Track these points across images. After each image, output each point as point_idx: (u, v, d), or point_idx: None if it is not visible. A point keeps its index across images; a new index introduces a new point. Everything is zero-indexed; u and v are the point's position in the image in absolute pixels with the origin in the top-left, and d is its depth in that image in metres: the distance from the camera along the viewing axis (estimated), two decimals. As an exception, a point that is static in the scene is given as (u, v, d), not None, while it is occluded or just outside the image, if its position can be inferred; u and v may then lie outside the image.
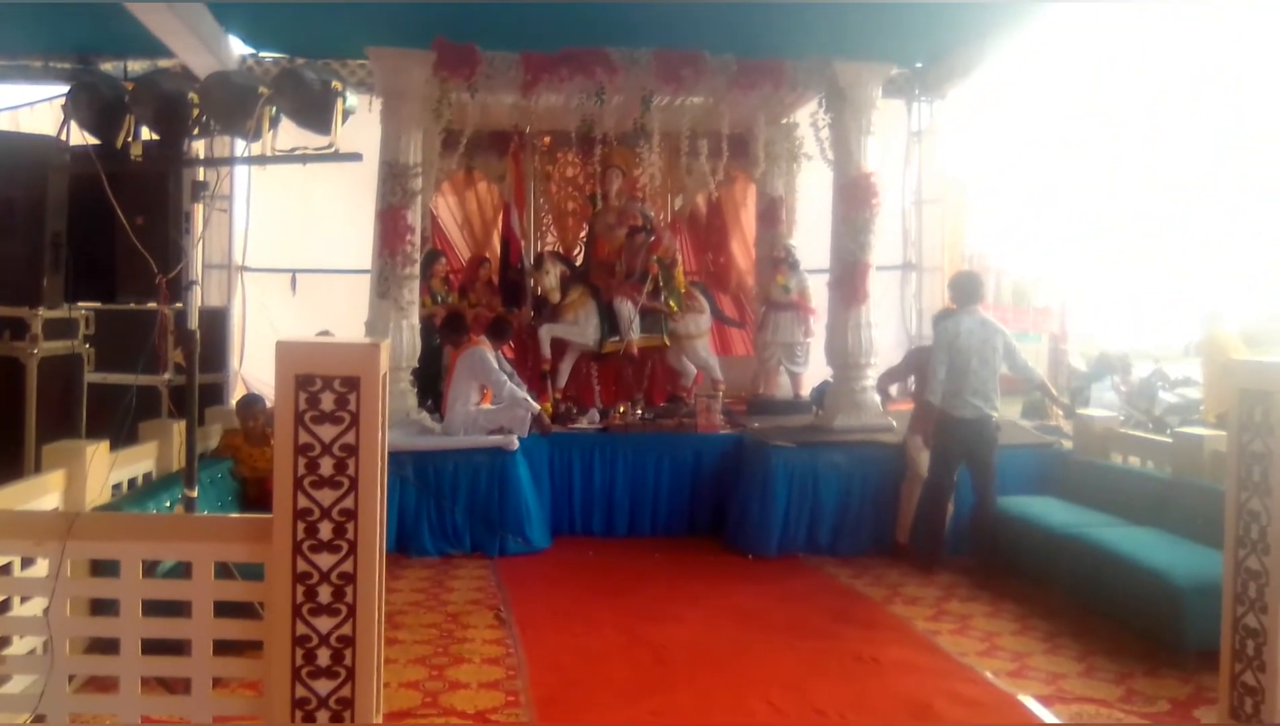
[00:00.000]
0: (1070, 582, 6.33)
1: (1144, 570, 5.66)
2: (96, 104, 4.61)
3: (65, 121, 4.67)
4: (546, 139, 10.51)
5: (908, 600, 6.68)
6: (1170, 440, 7.21)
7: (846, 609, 6.47)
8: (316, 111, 4.42)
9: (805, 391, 9.80)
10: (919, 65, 11.00)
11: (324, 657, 3.65)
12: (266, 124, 4.51)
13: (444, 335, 8.59)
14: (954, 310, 7.39)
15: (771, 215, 10.55)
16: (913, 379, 7.93)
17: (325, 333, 8.63)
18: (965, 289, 7.38)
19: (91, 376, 7.35)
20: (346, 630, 3.65)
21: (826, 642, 5.76)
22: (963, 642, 5.85)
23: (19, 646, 4.11)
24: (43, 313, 6.48)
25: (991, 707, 4.89)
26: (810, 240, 9.97)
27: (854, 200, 8.61)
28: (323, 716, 3.67)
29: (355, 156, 4.62)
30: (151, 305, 5.20)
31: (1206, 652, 4.63)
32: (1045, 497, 7.38)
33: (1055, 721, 4.74)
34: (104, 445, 5.28)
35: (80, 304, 6.92)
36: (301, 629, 3.65)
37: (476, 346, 8.00)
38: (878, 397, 8.54)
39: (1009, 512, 7.15)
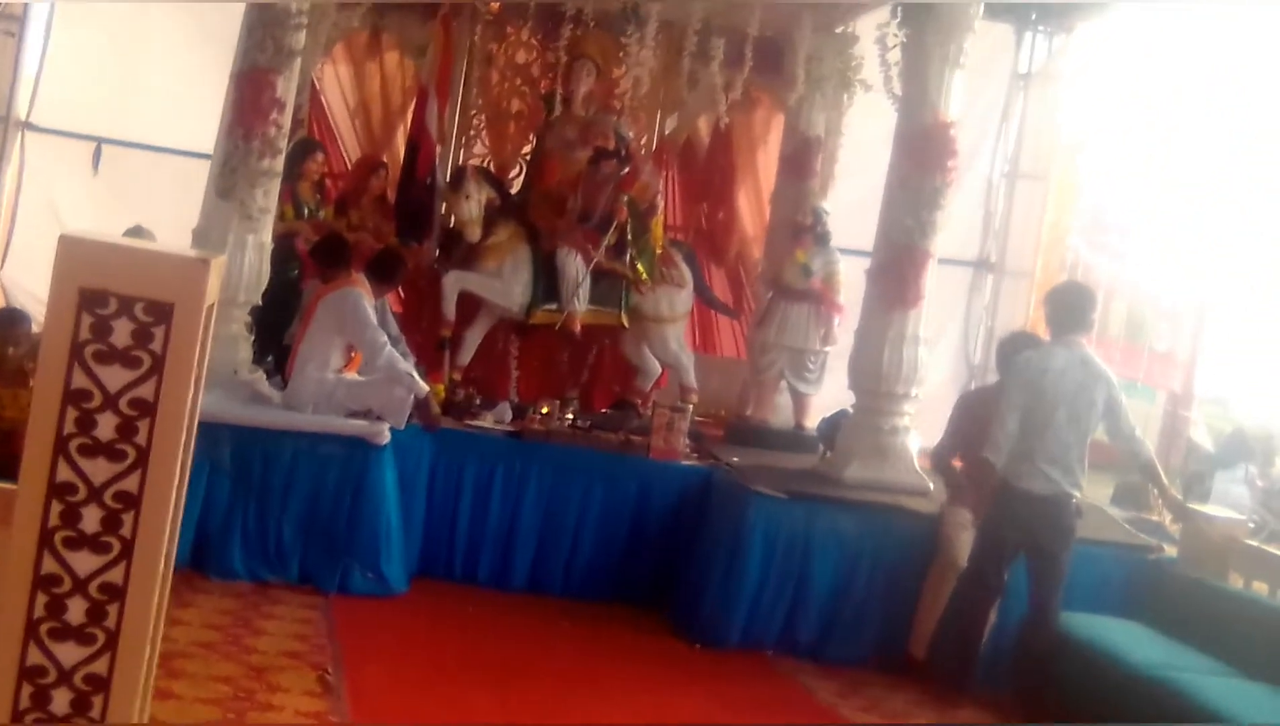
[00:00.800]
0: (1148, 747, 6.39)
1: (1253, 743, 5.74)
2: None
3: None
4: (495, 4, 10.47)
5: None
6: (1317, 566, 7.30)
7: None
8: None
9: (812, 421, 9.84)
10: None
11: (61, 702, 3.63)
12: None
13: (317, 263, 8.49)
14: (1038, 337, 7.47)
15: (801, 162, 10.57)
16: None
17: (138, 230, 8.58)
18: (1069, 309, 7.43)
19: None
20: (99, 668, 3.62)
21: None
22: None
23: None
24: None
25: None
26: (850, 206, 10.01)
27: (922, 158, 8.63)
28: (49, 788, 3.65)
29: (213, -14, 4.59)
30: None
31: None
32: (1129, 622, 7.44)
33: None
34: None
35: None
36: (35, 657, 3.62)
37: (349, 287, 7.95)
38: (910, 449, 8.61)
39: (1076, 634, 7.21)
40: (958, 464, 8.15)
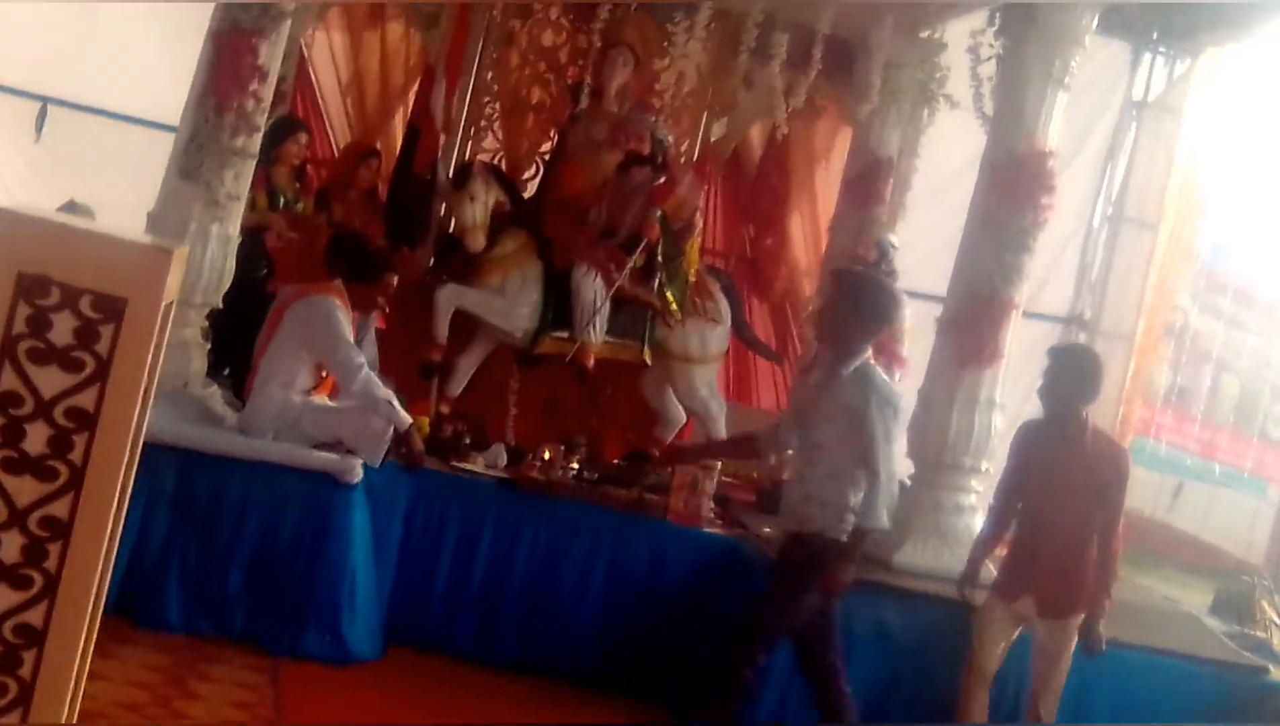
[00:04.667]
0: None
1: None
2: None
3: None
4: (521, -24, 10.53)
5: None
6: None
7: None
8: None
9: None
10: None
11: (-45, 767, 3.61)
12: None
13: (333, 265, 8.36)
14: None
15: (869, 186, 10.56)
16: None
17: (78, 206, 8.59)
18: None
19: None
20: (9, 722, 3.61)
21: None
22: None
23: None
24: None
25: None
26: (923, 244, 10.01)
27: (1012, 191, 8.64)
28: None
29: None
30: None
31: None
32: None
33: None
34: None
35: None
36: (-72, 710, 3.61)
37: (323, 295, 7.92)
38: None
39: (1159, 768, 7.19)
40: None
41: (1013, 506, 7.57)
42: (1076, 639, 7.23)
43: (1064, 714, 7.76)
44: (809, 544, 6.77)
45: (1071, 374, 7.45)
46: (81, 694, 3.79)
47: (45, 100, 11.21)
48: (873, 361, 6.97)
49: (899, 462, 6.94)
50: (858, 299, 7.09)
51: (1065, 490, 7.21)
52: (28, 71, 11.15)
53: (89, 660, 3.77)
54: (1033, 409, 10.61)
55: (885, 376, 7.05)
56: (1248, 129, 12.43)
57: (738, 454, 8.94)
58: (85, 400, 3.59)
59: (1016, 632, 7.38)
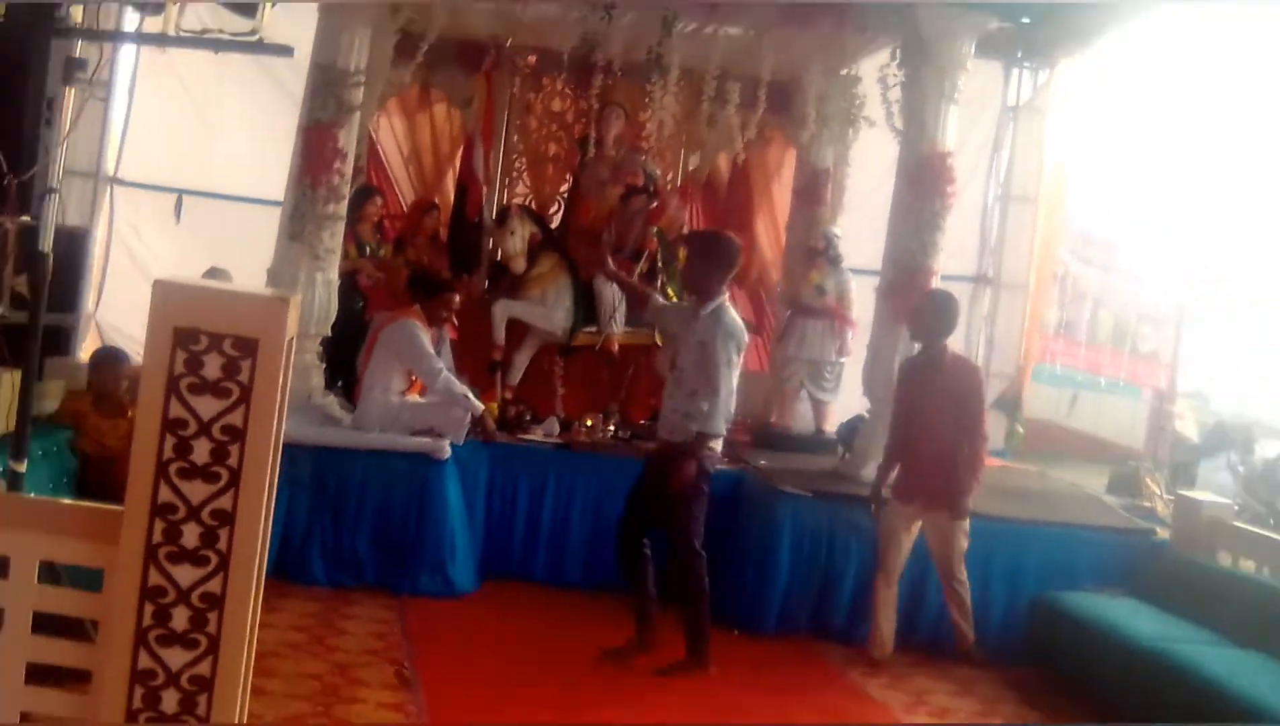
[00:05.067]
0: (1148, 709, 6.33)
1: (1247, 705, 5.68)
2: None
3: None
4: (531, 59, 10.47)
5: (935, 711, 6.71)
6: (1297, 544, 7.25)
7: (852, 713, 6.50)
8: (241, -14, 4.40)
9: (831, 426, 9.81)
10: (1026, 21, 11.02)
11: (170, 702, 3.62)
12: (171, -7, 4.49)
13: (412, 294, 8.39)
14: None
15: (813, 192, 10.52)
16: None
17: (217, 271, 8.60)
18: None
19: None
20: (204, 670, 3.62)
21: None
22: (1003, 776, 5.87)
23: None
24: None
25: None
26: (859, 231, 9.98)
27: (923, 186, 8.62)
28: (160, 779, 3.65)
29: (285, 51, 4.61)
30: (-6, 214, 5.16)
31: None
32: (1128, 599, 7.40)
33: None
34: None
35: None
36: (145, 661, 3.61)
37: (406, 319, 7.94)
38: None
39: (1080, 612, 7.17)
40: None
41: (903, 427, 7.51)
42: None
43: (1000, 585, 7.76)
44: (675, 448, 6.64)
45: (932, 314, 7.46)
46: (255, 640, 3.80)
47: (180, 192, 11.18)
48: (727, 303, 6.76)
49: (734, 383, 6.62)
50: (706, 252, 6.94)
51: (936, 406, 7.23)
52: (164, 171, 11.14)
53: (258, 614, 3.78)
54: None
55: (734, 316, 6.75)
56: (1098, 117, 12.37)
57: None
58: (235, 418, 3.59)
59: (916, 528, 7.35)
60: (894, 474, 7.49)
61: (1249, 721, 5.60)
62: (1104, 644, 6.83)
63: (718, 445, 6.73)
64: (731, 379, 6.61)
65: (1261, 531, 8.02)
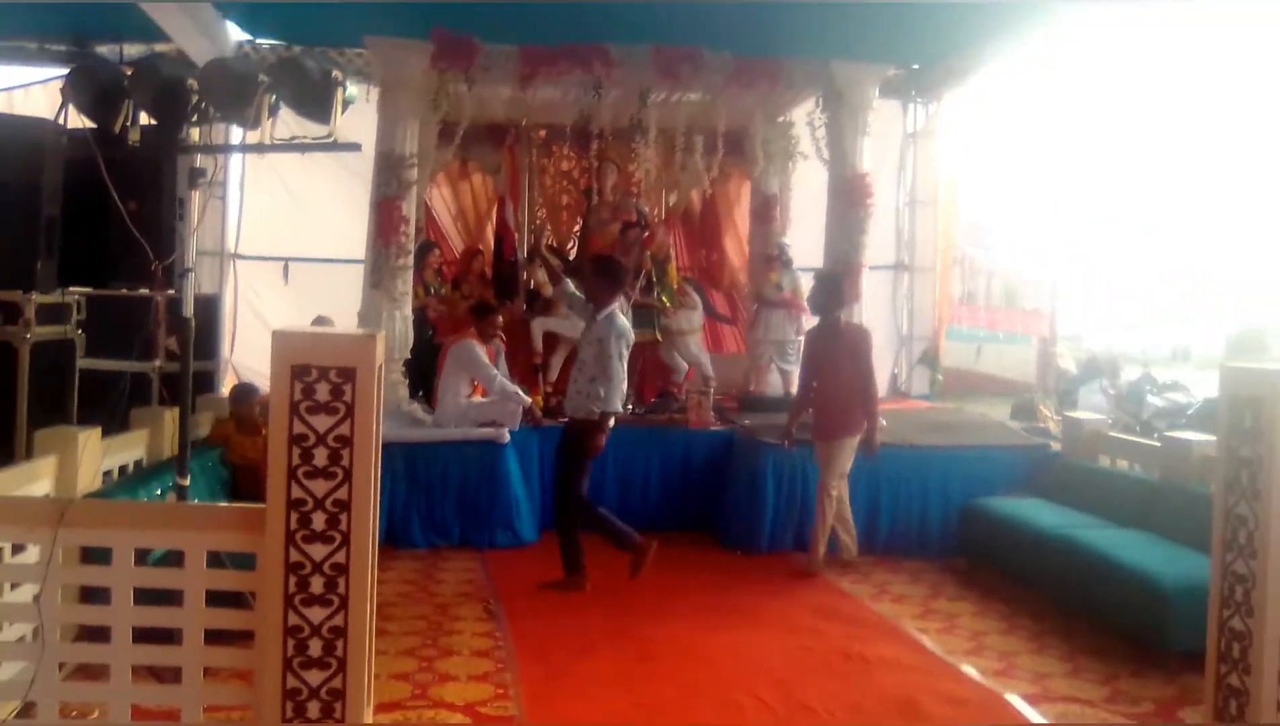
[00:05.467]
0: (1057, 583, 6.34)
1: (1131, 572, 5.68)
2: (95, 88, 4.59)
3: (64, 105, 4.65)
4: (542, 132, 10.47)
5: (895, 599, 6.70)
6: (1158, 444, 7.23)
7: (834, 606, 6.49)
8: (316, 100, 4.41)
9: (796, 389, 9.81)
10: (916, 67, 11.02)
11: (315, 648, 3.64)
12: (265, 111, 4.50)
13: (476, 320, 8.25)
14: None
15: (765, 213, 10.53)
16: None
17: (322, 318, 8.61)
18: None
19: (84, 362, 7.32)
20: (338, 621, 3.64)
21: (814, 639, 5.77)
22: (950, 641, 5.87)
23: (9, 633, 4.10)
24: (35, 297, 6.46)
25: (978, 706, 4.90)
26: (804, 238, 9.97)
27: (848, 200, 8.65)
28: (313, 707, 3.67)
29: (354, 147, 4.62)
30: (144, 291, 5.18)
31: (1192, 654, 4.66)
32: (1033, 499, 7.39)
33: (1041, 721, 4.76)
34: (96, 432, 5.26)
35: (72, 289, 6.90)
36: (294, 619, 3.64)
37: (465, 340, 7.96)
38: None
39: (998, 513, 7.17)
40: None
41: (809, 382, 7.38)
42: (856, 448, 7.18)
43: (935, 499, 7.76)
44: (581, 423, 6.61)
45: (824, 292, 7.29)
46: (375, 594, 3.82)
47: (285, 259, 11.22)
48: (617, 310, 6.71)
49: (624, 372, 6.59)
50: (600, 271, 6.90)
51: (837, 364, 7.11)
52: (271, 245, 11.16)
53: (375, 574, 3.80)
54: (882, 322, 10.57)
55: (623, 320, 6.72)
56: (978, 136, 12.41)
57: None
58: (344, 429, 3.61)
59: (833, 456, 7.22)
60: (804, 416, 7.40)
61: (1134, 583, 5.60)
62: (1018, 535, 6.83)
63: (610, 421, 6.64)
64: (621, 369, 6.57)
65: (1130, 437, 8.02)
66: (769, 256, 10.05)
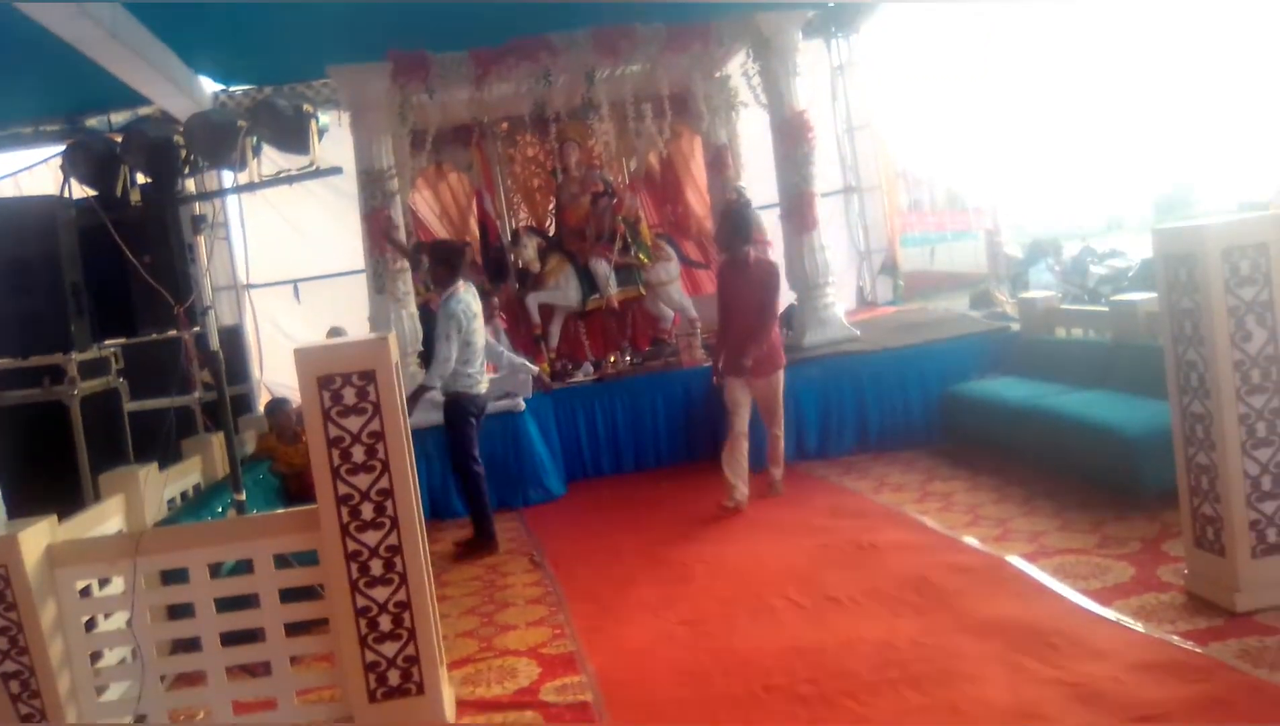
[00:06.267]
0: (1037, 450, 6.39)
1: (1099, 428, 5.74)
2: (91, 159, 4.58)
3: (66, 179, 4.64)
4: (504, 125, 10.36)
5: (894, 488, 6.76)
6: (1107, 309, 7.26)
7: (840, 504, 6.55)
8: (293, 135, 4.39)
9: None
10: (831, 4, 10.91)
11: (385, 623, 3.69)
12: (250, 153, 4.48)
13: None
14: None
15: (719, 162, 10.40)
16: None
17: (335, 329, 8.59)
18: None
19: (130, 406, 7.33)
20: (401, 596, 3.68)
21: (828, 537, 5.83)
22: (949, 517, 5.93)
23: (110, 657, 4.14)
24: (75, 356, 6.45)
25: (983, 571, 4.96)
26: (758, 179, 9.90)
27: (791, 137, 8.59)
28: (393, 675, 3.72)
29: (335, 171, 4.60)
30: (172, 333, 5.18)
31: (1166, 493, 4.70)
32: (1002, 377, 7.43)
33: (1042, 575, 4.82)
34: (153, 466, 5.27)
35: (108, 343, 6.89)
36: (361, 601, 3.68)
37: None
38: (839, 314, 8.60)
39: (973, 394, 7.22)
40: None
41: (725, 320, 6.73)
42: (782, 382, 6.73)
43: (915, 392, 7.79)
44: (448, 398, 6.50)
45: (728, 228, 6.77)
46: (430, 565, 3.85)
47: (295, 281, 11.17)
48: (458, 291, 6.41)
49: (453, 352, 6.29)
50: (435, 258, 6.70)
51: (745, 299, 6.54)
52: (279, 270, 11.09)
53: (427, 548, 3.83)
54: (839, 243, 10.49)
55: (457, 302, 6.35)
56: (906, 58, 12.32)
57: None
58: (375, 425, 3.63)
59: (749, 394, 6.71)
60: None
61: (1105, 437, 5.65)
62: (994, 412, 6.88)
63: (474, 391, 6.50)
64: (449, 348, 6.32)
65: (1080, 307, 8.05)
66: (728, 200, 9.97)
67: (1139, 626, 4.08)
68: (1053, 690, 3.63)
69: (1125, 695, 3.52)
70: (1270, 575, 4.09)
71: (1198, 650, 3.79)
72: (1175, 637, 3.93)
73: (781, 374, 6.76)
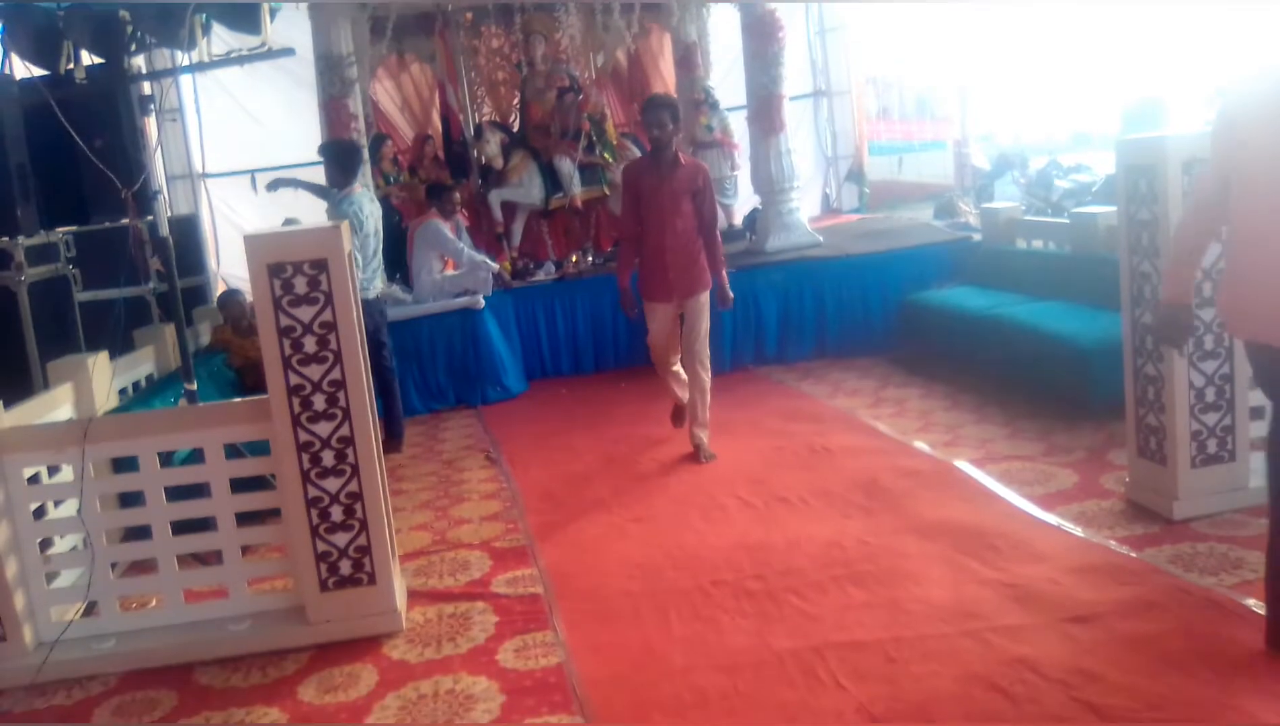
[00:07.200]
0: (992, 359, 6.46)
1: (1054, 339, 5.81)
2: (32, 33, 4.40)
3: (6, 55, 4.45)
4: (469, 15, 10.06)
5: (849, 393, 6.82)
6: (1067, 221, 7.28)
7: (796, 408, 6.60)
8: (244, 13, 4.24)
9: (738, 220, 9.77)
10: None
11: (337, 514, 3.70)
12: (200, 32, 4.32)
13: (430, 201, 8.07)
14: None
15: (688, 61, 10.23)
16: None
17: (290, 220, 8.42)
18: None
19: (81, 295, 7.18)
20: (354, 487, 3.69)
21: (782, 439, 5.89)
22: (901, 423, 6.01)
23: (62, 545, 4.13)
24: (23, 241, 6.29)
25: (931, 474, 5.05)
26: (727, 80, 9.79)
27: (761, 36, 8.45)
28: (345, 565, 3.74)
29: (287, 51, 4.45)
30: (125, 221, 5.05)
31: (1115, 405, 4.78)
32: (961, 287, 7.47)
33: (988, 479, 4.91)
34: (103, 355, 5.20)
35: (59, 229, 6.72)
36: (313, 492, 3.68)
37: (429, 220, 7.83)
38: (803, 220, 8.56)
39: (934, 302, 7.26)
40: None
41: (635, 228, 5.57)
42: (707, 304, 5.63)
43: (876, 298, 7.82)
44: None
45: (665, 108, 5.45)
46: (383, 458, 3.86)
47: (251, 171, 10.90)
48: (353, 193, 6.17)
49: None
50: (326, 155, 6.41)
51: (672, 205, 5.44)
52: (236, 159, 10.83)
53: (380, 440, 3.83)
54: (806, 147, 10.43)
55: (350, 203, 6.08)
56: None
57: None
58: (326, 316, 3.59)
59: (674, 317, 5.68)
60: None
61: (1058, 348, 5.72)
62: (952, 320, 6.94)
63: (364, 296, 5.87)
64: (365, 252, 6.16)
65: (1040, 219, 8.07)
66: (696, 101, 9.82)
67: (1079, 531, 4.19)
68: (992, 590, 3.73)
69: (1061, 595, 3.62)
70: (1207, 484, 4.20)
71: (1133, 555, 3.90)
72: (1113, 543, 4.04)
73: (707, 297, 5.65)
